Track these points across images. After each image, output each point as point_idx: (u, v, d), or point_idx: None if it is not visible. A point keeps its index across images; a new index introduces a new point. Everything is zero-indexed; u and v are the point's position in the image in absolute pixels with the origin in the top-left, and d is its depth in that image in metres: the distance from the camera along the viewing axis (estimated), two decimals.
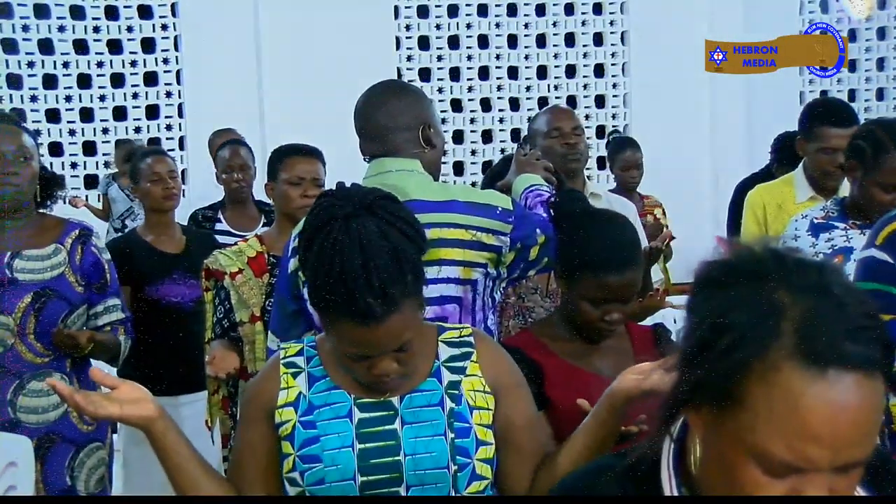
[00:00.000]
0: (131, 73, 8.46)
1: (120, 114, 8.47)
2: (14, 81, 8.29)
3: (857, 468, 1.16)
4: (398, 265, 1.76)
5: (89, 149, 8.52)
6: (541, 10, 9.05)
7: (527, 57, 9.07)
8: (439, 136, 2.69)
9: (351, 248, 1.73)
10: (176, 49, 8.50)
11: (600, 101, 9.24)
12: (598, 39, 9.19)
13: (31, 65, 8.29)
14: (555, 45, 9.12)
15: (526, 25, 9.02)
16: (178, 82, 8.53)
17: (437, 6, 8.86)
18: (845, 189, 3.63)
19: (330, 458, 1.83)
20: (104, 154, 8.44)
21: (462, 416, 1.89)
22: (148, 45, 8.49)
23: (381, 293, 1.73)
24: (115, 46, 8.43)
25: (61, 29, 8.32)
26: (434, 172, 2.67)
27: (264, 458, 1.89)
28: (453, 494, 1.87)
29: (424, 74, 8.92)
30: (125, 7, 8.39)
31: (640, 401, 1.85)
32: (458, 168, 9.06)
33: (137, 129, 8.45)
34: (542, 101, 9.09)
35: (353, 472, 1.83)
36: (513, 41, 9.05)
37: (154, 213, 4.18)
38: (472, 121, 8.94)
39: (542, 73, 9.12)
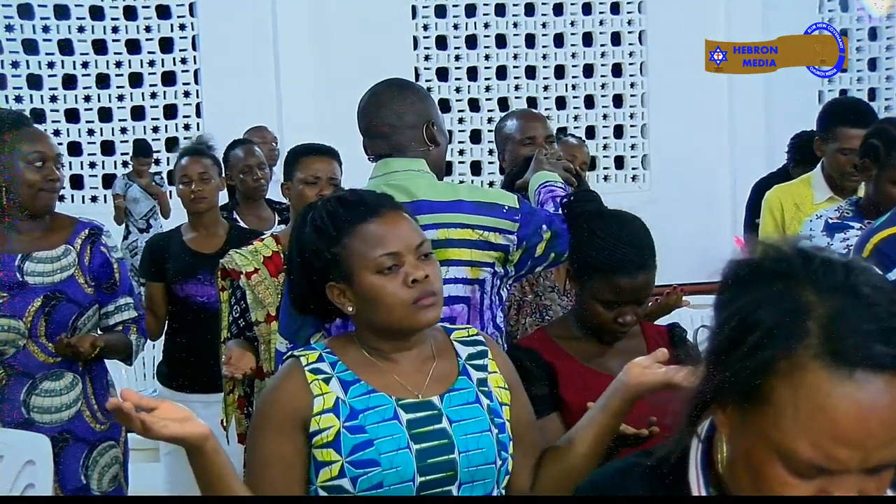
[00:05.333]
0: (149, 73, 8.51)
1: (138, 113, 8.52)
2: (34, 81, 8.34)
3: (888, 470, 1.15)
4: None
5: (107, 148, 8.56)
6: (558, 10, 9.04)
7: (545, 56, 9.07)
8: (443, 133, 2.68)
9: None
10: (194, 49, 8.54)
11: (618, 101, 9.22)
12: (616, 39, 9.18)
13: (51, 65, 8.34)
14: (573, 45, 9.11)
15: (544, 25, 9.02)
16: (196, 82, 8.57)
17: (454, 6, 8.87)
18: (863, 190, 3.61)
19: (388, 461, 1.80)
20: (122, 154, 8.49)
21: (497, 412, 1.92)
22: (166, 44, 8.53)
23: (378, 195, 2.01)
24: (133, 46, 8.48)
25: (81, 29, 8.37)
26: (438, 171, 2.66)
27: (300, 470, 1.84)
28: (496, 490, 1.89)
29: (442, 74, 8.93)
30: (144, 7, 8.43)
31: (657, 394, 1.85)
32: (476, 168, 9.07)
33: (155, 129, 8.50)
34: (560, 101, 9.09)
35: (413, 474, 1.81)
36: (530, 41, 9.04)
37: (189, 213, 4.21)
38: (490, 120, 8.94)
39: (559, 72, 9.11)
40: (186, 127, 8.57)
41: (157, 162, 8.38)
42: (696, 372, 1.26)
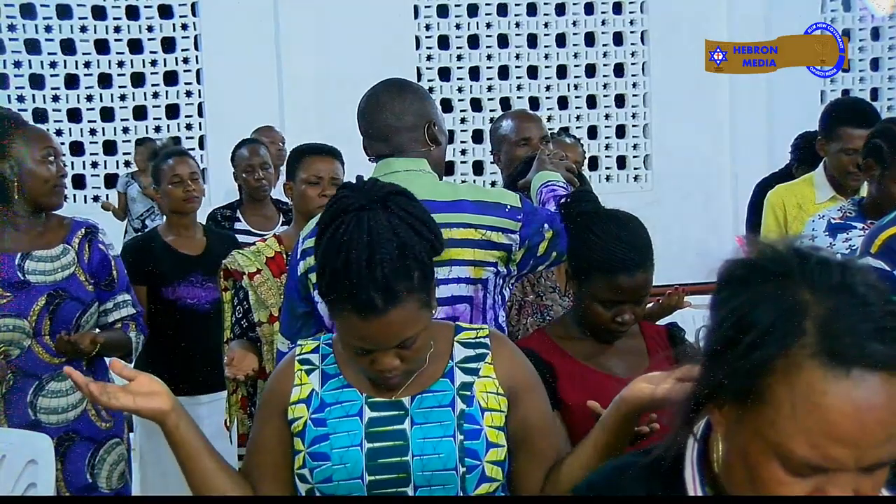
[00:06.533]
0: (152, 73, 8.51)
1: (140, 113, 8.52)
2: (36, 81, 8.35)
3: (883, 468, 1.15)
4: (404, 261, 1.75)
5: (110, 148, 8.57)
6: (561, 10, 9.04)
7: (546, 56, 9.07)
8: (443, 132, 2.67)
9: (359, 240, 1.73)
10: (196, 48, 8.54)
11: (620, 101, 9.22)
12: (618, 39, 9.18)
13: (53, 65, 8.35)
14: (575, 45, 9.11)
15: (546, 25, 9.02)
16: (199, 82, 8.57)
17: (456, 6, 8.87)
18: (865, 190, 3.62)
19: (338, 457, 1.83)
20: (124, 153, 8.49)
21: (472, 418, 1.88)
22: (168, 44, 8.53)
23: (384, 287, 1.72)
24: (135, 46, 8.48)
25: (83, 29, 8.37)
26: (439, 170, 2.66)
27: (279, 454, 1.89)
28: (461, 496, 1.86)
29: (444, 74, 8.93)
30: (146, 7, 8.43)
31: (652, 409, 1.83)
32: (478, 168, 9.07)
33: (157, 129, 8.49)
34: (562, 101, 9.09)
35: (361, 472, 1.82)
36: (532, 41, 9.04)
37: (174, 214, 4.18)
38: (492, 120, 8.93)
39: (561, 72, 9.11)
40: (189, 127, 8.58)
41: None
42: (683, 383, 1.26)
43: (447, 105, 8.79)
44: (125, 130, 8.52)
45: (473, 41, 8.96)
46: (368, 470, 1.83)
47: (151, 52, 8.50)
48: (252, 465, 1.93)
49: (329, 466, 1.83)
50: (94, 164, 8.56)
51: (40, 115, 8.16)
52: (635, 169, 9.30)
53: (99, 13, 8.40)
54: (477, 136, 8.95)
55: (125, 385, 1.79)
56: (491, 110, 8.90)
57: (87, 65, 8.41)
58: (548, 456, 1.94)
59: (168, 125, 8.55)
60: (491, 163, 8.91)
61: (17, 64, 8.28)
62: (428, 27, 8.88)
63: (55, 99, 8.38)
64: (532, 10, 9.00)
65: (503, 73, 9.02)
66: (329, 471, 1.83)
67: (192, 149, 8.31)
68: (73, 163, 8.30)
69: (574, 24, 9.08)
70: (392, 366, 1.81)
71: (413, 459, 1.84)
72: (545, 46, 9.06)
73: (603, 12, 9.11)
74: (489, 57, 8.98)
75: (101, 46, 8.44)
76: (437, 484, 1.84)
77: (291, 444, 1.88)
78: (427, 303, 1.82)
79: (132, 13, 8.46)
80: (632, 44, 9.17)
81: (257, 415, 1.98)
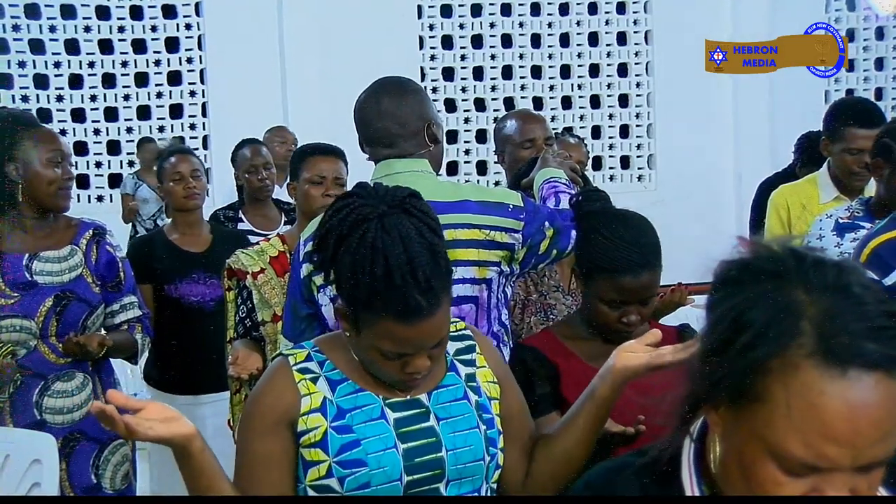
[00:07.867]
0: (155, 73, 8.52)
1: (144, 113, 8.53)
2: (41, 81, 8.36)
3: (879, 468, 1.15)
4: (437, 261, 1.77)
5: (113, 148, 8.58)
6: (564, 10, 9.05)
7: (550, 56, 9.07)
8: (441, 129, 2.67)
9: (393, 245, 1.73)
10: (200, 48, 8.56)
11: (624, 101, 9.22)
12: (622, 39, 9.18)
13: (57, 65, 8.36)
14: (578, 45, 9.12)
15: (549, 25, 9.03)
16: (202, 81, 8.58)
17: (460, 5, 8.87)
18: (870, 190, 3.61)
19: (375, 461, 1.80)
20: (128, 153, 8.50)
21: (486, 408, 1.91)
22: (172, 44, 8.54)
23: (427, 289, 1.73)
24: (139, 46, 8.49)
25: (87, 29, 8.39)
26: (437, 166, 2.66)
27: (287, 469, 1.83)
28: (485, 486, 1.88)
29: (447, 74, 8.94)
30: (150, 7, 8.45)
31: (645, 377, 1.83)
32: (482, 167, 9.07)
33: (161, 129, 8.51)
34: (566, 101, 9.08)
35: (400, 473, 1.81)
36: (536, 40, 9.05)
37: (178, 212, 4.18)
38: (496, 120, 8.94)
39: (565, 72, 9.11)
40: (192, 126, 8.59)
41: None
42: (682, 350, 1.26)
43: (451, 105, 8.80)
44: (129, 130, 8.54)
45: (477, 41, 8.97)
46: (407, 470, 1.81)
47: (155, 52, 8.51)
48: (255, 482, 1.83)
49: (366, 472, 1.79)
50: (98, 164, 8.58)
51: (44, 115, 8.17)
52: (639, 169, 9.30)
53: (103, 13, 8.42)
54: (480, 136, 8.96)
55: (139, 413, 1.67)
56: (494, 110, 8.91)
57: (91, 65, 8.43)
58: (526, 440, 1.97)
59: (172, 125, 8.56)
60: (495, 163, 8.92)
61: (22, 64, 8.29)
62: (431, 27, 8.88)
63: (59, 99, 8.40)
64: (536, 9, 9.00)
65: (507, 72, 9.02)
66: (366, 476, 1.79)
67: (196, 149, 8.31)
68: (76, 163, 8.30)
69: (578, 23, 9.09)
70: (425, 367, 1.81)
71: (447, 454, 1.84)
72: (549, 46, 9.06)
73: (606, 12, 9.11)
74: (493, 57, 8.99)
75: (105, 46, 8.45)
76: (467, 476, 1.86)
77: (297, 456, 1.83)
78: (451, 300, 1.84)
79: (136, 13, 8.47)
80: (635, 44, 9.17)
81: (253, 430, 1.86)
